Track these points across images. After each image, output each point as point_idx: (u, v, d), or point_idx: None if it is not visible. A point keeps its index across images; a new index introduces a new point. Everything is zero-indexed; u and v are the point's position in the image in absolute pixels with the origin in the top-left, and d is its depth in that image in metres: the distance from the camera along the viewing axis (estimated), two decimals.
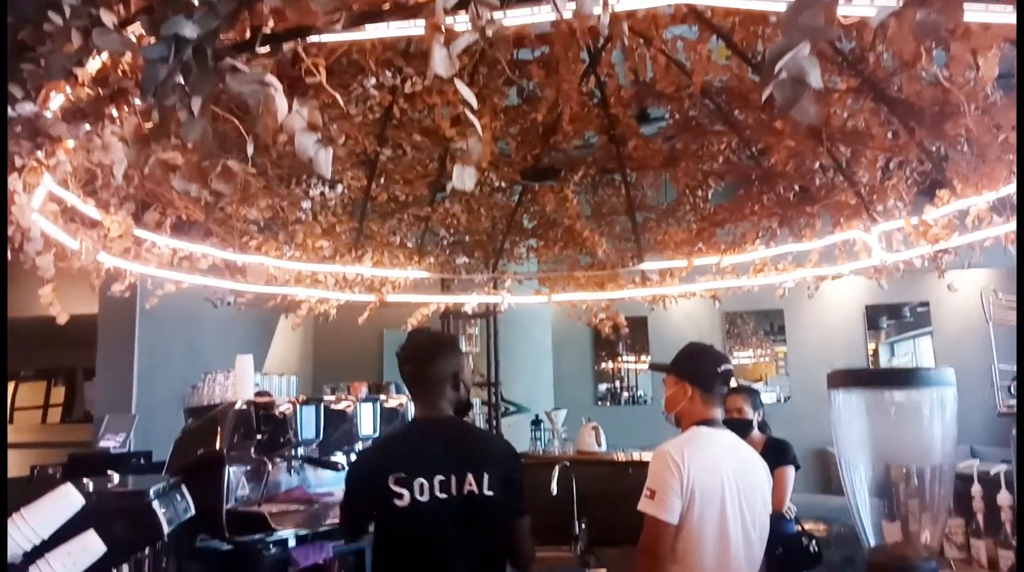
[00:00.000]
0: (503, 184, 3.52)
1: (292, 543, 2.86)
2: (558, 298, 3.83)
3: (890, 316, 7.93)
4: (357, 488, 2.13)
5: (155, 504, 1.96)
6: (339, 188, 3.13)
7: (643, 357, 8.64)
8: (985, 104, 2.30)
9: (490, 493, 2.09)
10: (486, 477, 2.09)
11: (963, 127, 2.39)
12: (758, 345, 8.35)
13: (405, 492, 2.01)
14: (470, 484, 2.07)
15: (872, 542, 1.46)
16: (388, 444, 2.41)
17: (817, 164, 3.19)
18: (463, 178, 0.83)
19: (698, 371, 2.43)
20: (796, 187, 3.38)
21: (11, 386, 9.59)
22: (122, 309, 5.96)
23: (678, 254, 3.60)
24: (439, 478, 2.05)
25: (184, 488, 2.34)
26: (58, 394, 9.59)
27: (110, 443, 4.07)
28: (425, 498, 2.02)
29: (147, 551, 2.10)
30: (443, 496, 2.04)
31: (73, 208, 2.13)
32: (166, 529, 1.98)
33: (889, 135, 2.82)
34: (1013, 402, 2.87)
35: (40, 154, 1.28)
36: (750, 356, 8.37)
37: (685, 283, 3.66)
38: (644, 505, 2.21)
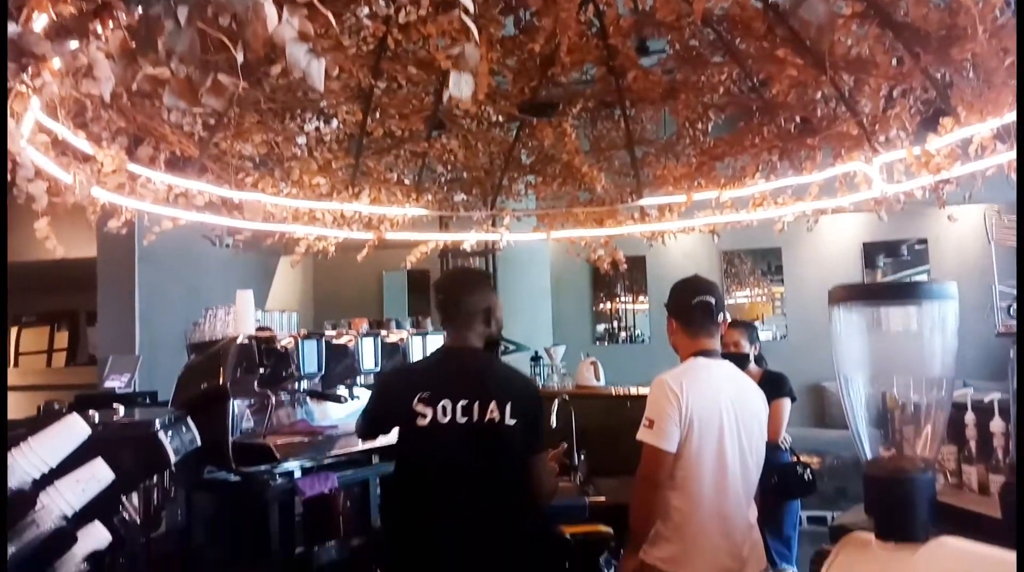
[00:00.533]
0: (500, 119, 3.46)
1: (298, 474, 2.93)
2: (557, 235, 3.82)
3: (887, 254, 7.93)
4: (382, 401, 2.25)
5: (161, 434, 1.99)
6: (334, 123, 3.08)
7: (641, 297, 8.66)
8: (994, 27, 2.25)
9: (511, 423, 2.15)
10: (509, 407, 2.15)
11: (970, 51, 2.34)
12: (755, 285, 8.37)
13: (428, 411, 2.09)
14: (492, 412, 2.13)
15: (869, 456, 1.49)
16: (416, 366, 2.58)
17: (819, 94, 3.13)
18: (460, 86, 0.82)
19: (676, 304, 2.45)
20: (797, 119, 3.33)
21: (14, 331, 9.67)
22: (121, 251, 5.97)
23: (677, 189, 3.57)
24: (462, 403, 2.11)
25: (189, 420, 2.37)
26: (62, 339, 9.66)
27: (115, 384, 4.11)
28: (446, 420, 2.09)
29: (155, 480, 2.15)
30: (463, 420, 2.10)
31: (64, 142, 2.10)
32: (173, 458, 2.01)
33: (894, 62, 2.77)
34: (1012, 322, 2.89)
35: (26, 76, 1.25)
36: (747, 296, 8.40)
37: (684, 219, 3.64)
38: (643, 434, 2.25)
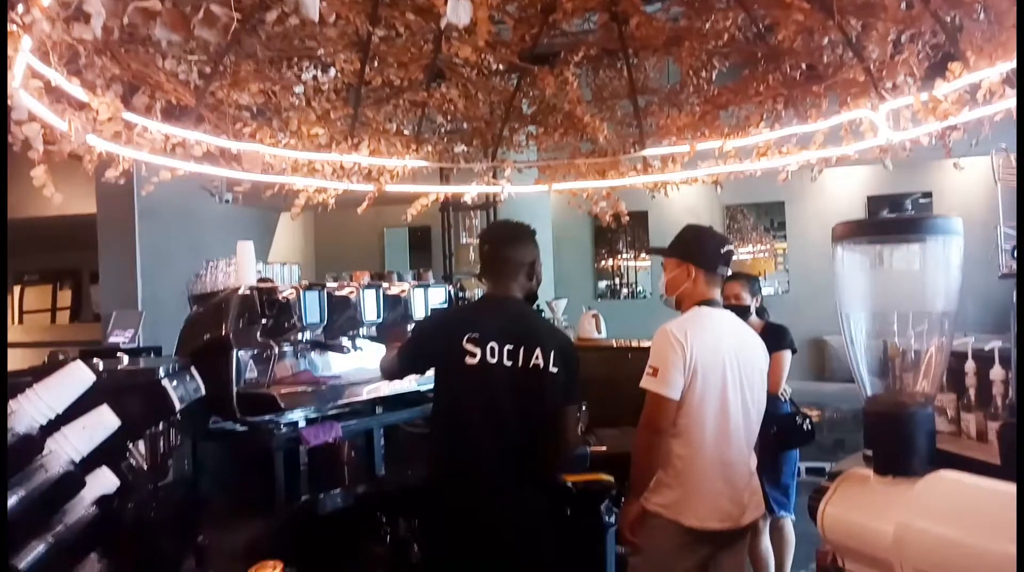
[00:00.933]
0: (501, 67, 3.40)
1: (302, 424, 2.96)
2: (559, 187, 3.79)
3: (891, 208, 7.86)
4: (430, 337, 2.32)
5: (165, 381, 2.01)
6: (332, 71, 3.03)
7: (643, 254, 8.66)
8: None
9: (554, 370, 2.23)
10: (552, 355, 2.22)
11: None
12: (757, 240, 8.34)
13: (478, 351, 2.16)
14: (537, 358, 2.21)
15: (870, 393, 1.50)
16: (462, 309, 2.74)
17: (826, 40, 3.07)
18: (457, 11, 0.79)
19: (701, 252, 2.43)
20: (803, 66, 3.27)
21: (17, 290, 9.71)
22: (120, 207, 5.95)
23: (680, 139, 3.53)
24: (508, 346, 2.19)
25: (193, 370, 2.39)
26: (65, 297, 9.70)
27: (119, 339, 4.13)
28: (494, 360, 2.17)
29: (161, 428, 2.17)
30: (509, 363, 2.18)
31: (58, 89, 2.07)
32: (178, 406, 2.04)
33: (903, 6, 2.70)
34: (1014, 264, 2.88)
35: (15, 15, 1.22)
36: (750, 251, 8.37)
37: (687, 169, 3.60)
38: (647, 382, 2.26)
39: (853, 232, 1.47)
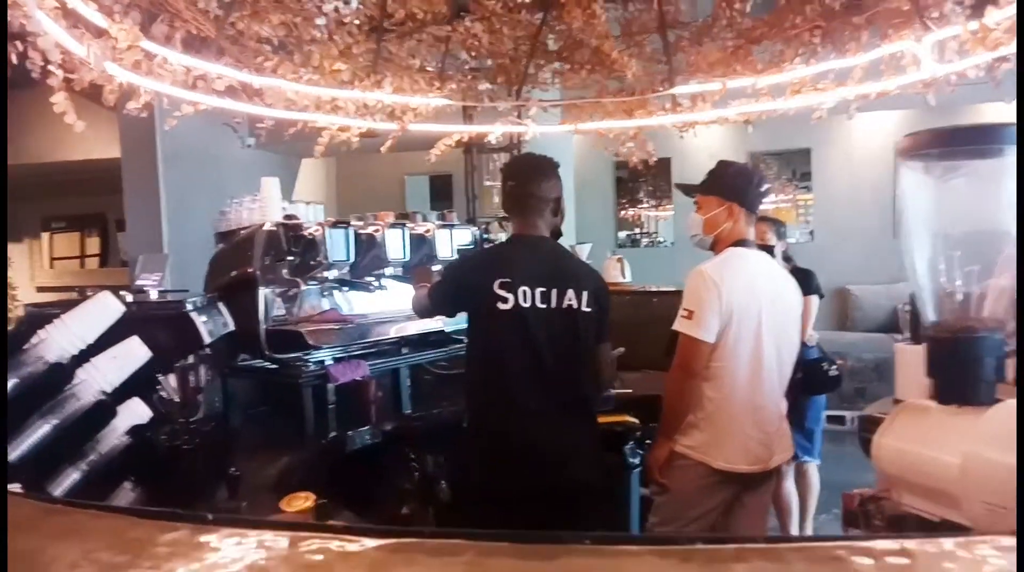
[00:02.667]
0: (527, 0, 3.29)
1: (329, 361, 2.96)
2: (585, 127, 3.69)
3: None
4: (461, 283, 2.27)
5: (194, 314, 2.00)
6: (353, 2, 2.94)
7: (665, 203, 8.54)
8: None
9: (588, 310, 2.20)
10: (584, 295, 2.19)
11: None
12: (780, 190, 8.18)
13: (510, 296, 2.12)
14: (570, 299, 2.18)
15: (933, 318, 1.44)
16: (491, 253, 2.59)
17: None
18: None
19: (744, 190, 2.37)
20: None
21: (46, 237, 9.82)
22: (143, 151, 5.95)
23: (711, 76, 3.41)
24: (540, 289, 2.15)
25: (221, 305, 2.38)
26: (93, 245, 9.81)
27: (146, 282, 4.16)
28: (527, 304, 2.13)
29: (192, 362, 2.17)
30: (543, 306, 2.14)
31: (75, 13, 2.01)
32: (207, 338, 2.03)
33: None
34: None
35: None
36: (772, 201, 8.20)
37: (718, 108, 3.49)
38: (681, 324, 2.22)
39: (923, 144, 1.38)
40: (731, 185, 2.38)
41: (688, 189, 2.49)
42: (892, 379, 7.08)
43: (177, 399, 2.05)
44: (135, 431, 1.76)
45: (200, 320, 2.00)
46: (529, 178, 2.28)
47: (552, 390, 2.17)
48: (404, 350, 3.04)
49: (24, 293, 8.52)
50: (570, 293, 2.17)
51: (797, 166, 8.05)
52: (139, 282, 4.20)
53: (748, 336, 2.26)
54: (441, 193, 8.49)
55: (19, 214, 9.29)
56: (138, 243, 5.95)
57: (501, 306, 2.12)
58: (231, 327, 2.33)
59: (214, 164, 6.01)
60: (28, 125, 6.84)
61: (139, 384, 1.86)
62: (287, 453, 2.42)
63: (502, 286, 2.13)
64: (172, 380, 2.08)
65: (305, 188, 8.40)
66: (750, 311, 2.25)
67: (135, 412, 1.80)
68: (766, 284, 2.35)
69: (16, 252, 9.27)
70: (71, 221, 9.84)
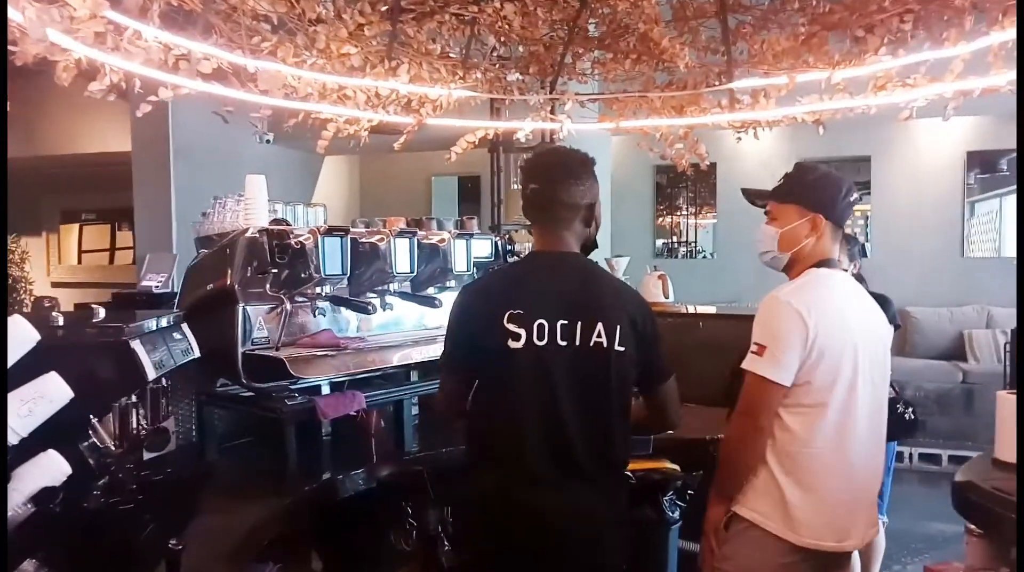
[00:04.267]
0: None
1: (326, 390, 2.56)
2: (628, 124, 3.25)
3: (982, 169, 7.00)
4: (464, 321, 1.82)
5: (135, 343, 1.60)
6: None
7: (706, 211, 8.02)
8: None
9: (621, 349, 1.74)
10: (618, 330, 1.75)
11: None
12: None
13: (521, 332, 1.71)
14: (599, 335, 1.73)
15: None
16: (503, 276, 2.03)
17: None
18: None
19: (832, 199, 1.93)
20: None
21: (75, 228, 9.68)
22: (155, 145, 5.66)
23: (777, 69, 2.95)
24: (562, 322, 1.73)
25: (184, 327, 1.99)
26: (126, 238, 9.62)
27: (152, 283, 3.80)
28: (544, 342, 1.72)
29: (136, 399, 1.78)
30: (564, 344, 1.73)
31: None
32: (151, 373, 1.63)
33: None
34: None
35: None
36: None
37: (784, 106, 3.03)
38: (751, 363, 1.79)
39: None
40: (816, 193, 1.93)
41: (758, 195, 2.04)
42: (953, 412, 6.39)
43: (114, 447, 1.66)
44: (42, 496, 1.36)
45: (142, 350, 1.62)
46: (556, 179, 1.81)
47: (572, 454, 1.74)
48: (413, 376, 2.64)
49: (40, 287, 8.34)
50: (599, 329, 1.73)
51: (851, 173, 7.47)
52: (144, 283, 3.86)
53: (841, 378, 1.82)
54: (470, 195, 8.10)
55: (38, 207, 9.13)
56: (146, 240, 5.68)
57: (511, 344, 1.71)
58: (194, 354, 1.94)
59: (229, 159, 5.69)
60: (49, 115, 6.63)
61: (61, 431, 1.46)
62: (262, 502, 2.01)
63: (513, 319, 1.71)
64: (111, 421, 1.70)
65: (326, 186, 8.08)
66: (844, 348, 1.82)
67: (47, 470, 1.40)
68: (859, 315, 1.90)
69: (34, 246, 9.09)
70: (101, 213, 9.65)
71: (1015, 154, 6.80)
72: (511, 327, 1.71)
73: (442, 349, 1.89)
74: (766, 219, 2.00)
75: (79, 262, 9.97)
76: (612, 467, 1.82)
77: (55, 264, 9.43)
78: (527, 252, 1.94)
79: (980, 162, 6.94)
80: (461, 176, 8.17)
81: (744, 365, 1.80)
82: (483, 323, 1.75)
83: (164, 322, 1.85)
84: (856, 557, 3.24)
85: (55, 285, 8.78)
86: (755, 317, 1.86)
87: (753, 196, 2.07)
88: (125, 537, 1.49)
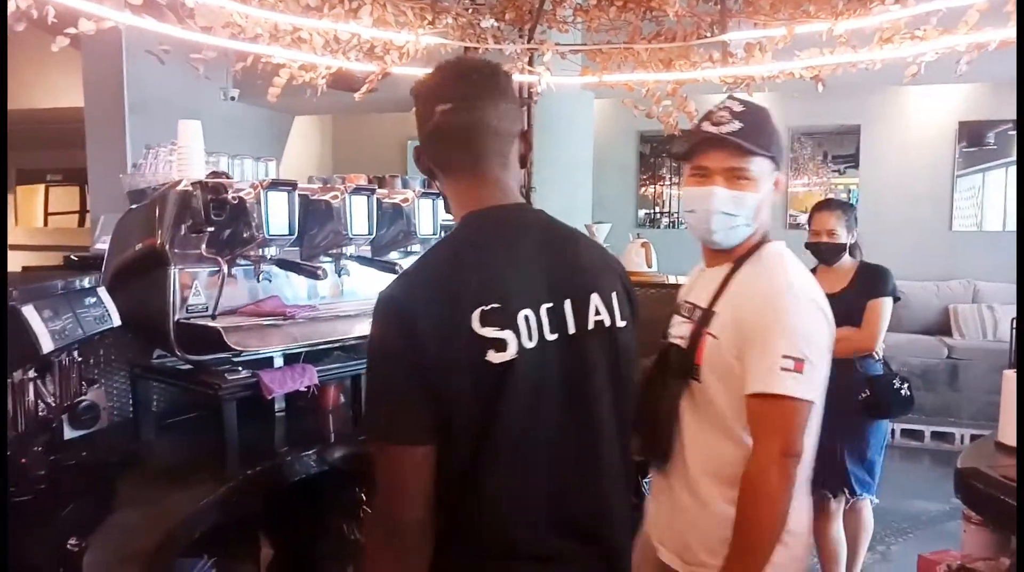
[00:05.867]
0: None
1: (279, 362, 2.33)
2: (612, 79, 3.01)
3: (970, 142, 6.82)
4: (409, 353, 1.11)
5: (27, 308, 1.36)
6: None
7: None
8: None
9: (623, 324, 1.26)
10: (615, 299, 1.26)
11: None
12: (815, 171, 7.41)
13: (505, 335, 1.13)
14: (597, 313, 1.23)
15: None
16: (451, 256, 1.23)
17: None
18: None
19: (782, 148, 1.66)
20: None
21: (41, 190, 9.29)
22: (108, 100, 5.31)
23: (774, 19, 2.71)
24: (547, 306, 1.18)
25: (102, 292, 1.74)
26: None
27: (107, 245, 3.55)
28: (533, 344, 1.15)
29: (33, 372, 1.54)
30: (554, 337, 1.18)
31: None
32: (47, 345, 1.39)
33: None
34: None
35: None
36: (805, 183, 7.42)
37: (780, 61, 2.80)
38: (790, 385, 1.40)
39: None
40: (780, 141, 1.58)
41: (713, 142, 1.53)
42: (938, 387, 6.23)
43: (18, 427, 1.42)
44: None
45: (37, 318, 1.37)
46: (480, 94, 1.22)
47: (603, 516, 1.26)
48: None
49: None
50: (595, 302, 1.24)
51: (830, 147, 7.27)
52: (98, 246, 3.58)
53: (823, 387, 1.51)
54: None
55: None
56: (101, 201, 5.36)
57: (493, 359, 1.12)
58: (112, 322, 1.70)
59: (190, 117, 5.36)
60: None
61: None
62: (197, 488, 1.78)
63: (488, 319, 1.12)
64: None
65: (297, 148, 7.75)
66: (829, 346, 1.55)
67: None
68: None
69: None
70: (67, 173, 9.23)
71: (1005, 126, 6.64)
72: (488, 332, 1.12)
73: (368, 406, 1.22)
74: (725, 177, 1.53)
75: (45, 224, 9.57)
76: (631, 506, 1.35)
77: (11, 226, 9.04)
78: (465, 216, 1.25)
79: (968, 134, 6.77)
80: None
81: (778, 390, 1.40)
82: (442, 336, 1.11)
83: (73, 286, 1.61)
84: (842, 539, 3.10)
85: (12, 247, 8.41)
86: (771, 318, 1.46)
87: (704, 145, 1.55)
88: (15, 537, 1.25)
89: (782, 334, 1.42)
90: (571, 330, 1.20)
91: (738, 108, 1.55)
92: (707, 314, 1.56)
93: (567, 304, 1.21)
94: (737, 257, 1.59)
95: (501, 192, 1.25)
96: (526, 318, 1.15)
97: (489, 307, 1.13)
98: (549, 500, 1.19)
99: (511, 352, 1.13)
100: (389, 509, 1.15)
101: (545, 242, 1.25)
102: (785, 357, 1.40)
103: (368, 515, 1.21)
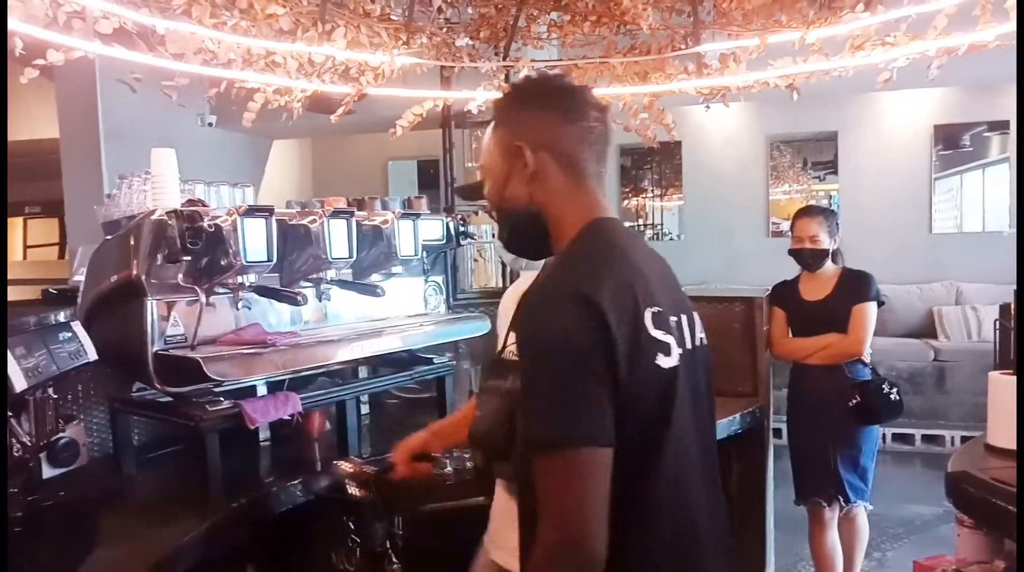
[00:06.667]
0: None
1: (262, 391, 2.30)
2: None
3: (945, 145, 6.90)
4: (603, 340, 1.03)
5: None
6: None
7: (672, 193, 7.83)
8: None
9: (706, 343, 1.29)
10: (696, 317, 1.28)
11: None
12: (795, 179, 7.46)
13: (670, 340, 1.11)
14: (701, 329, 1.26)
15: None
16: (615, 254, 1.17)
17: None
18: None
19: None
20: None
21: (19, 222, 9.16)
22: (84, 129, 5.26)
23: (746, 30, 2.73)
24: (675, 318, 1.18)
25: (76, 326, 1.71)
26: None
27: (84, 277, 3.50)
28: (684, 349, 1.16)
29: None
30: (689, 348, 1.19)
31: None
32: (20, 383, 1.36)
33: None
34: None
35: None
36: (785, 191, 7.45)
37: (755, 71, 2.81)
38: None
39: None
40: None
41: None
42: (926, 390, 6.25)
43: None
44: None
45: (10, 355, 1.34)
46: (604, 108, 1.26)
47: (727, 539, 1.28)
48: (357, 376, 2.38)
49: None
50: (696, 319, 1.27)
51: (808, 154, 7.33)
52: (77, 278, 3.52)
53: None
54: (430, 179, 7.80)
55: None
56: (79, 232, 5.29)
57: (663, 361, 1.09)
58: (88, 357, 1.67)
59: (167, 145, 5.32)
60: None
61: None
62: (180, 523, 1.74)
63: (656, 320, 1.10)
64: None
65: (277, 172, 7.70)
66: None
67: None
68: None
69: None
70: (46, 205, 9.11)
71: (980, 128, 6.73)
72: (658, 334, 1.09)
73: (540, 409, 1.05)
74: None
75: (24, 258, 9.43)
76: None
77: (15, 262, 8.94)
78: (595, 220, 1.21)
79: (944, 137, 6.84)
80: (420, 160, 7.87)
81: None
82: (630, 332, 1.05)
83: (47, 321, 1.57)
84: (838, 548, 3.08)
85: (13, 282, 8.31)
86: None
87: None
88: None
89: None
90: (690, 344, 1.19)
91: None
92: None
93: (683, 318, 1.20)
94: None
95: (608, 205, 1.26)
96: (677, 324, 1.15)
97: (656, 309, 1.11)
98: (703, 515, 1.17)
99: (675, 357, 1.11)
100: (573, 537, 0.99)
101: (652, 256, 1.27)
102: None
103: (532, 558, 1.06)
